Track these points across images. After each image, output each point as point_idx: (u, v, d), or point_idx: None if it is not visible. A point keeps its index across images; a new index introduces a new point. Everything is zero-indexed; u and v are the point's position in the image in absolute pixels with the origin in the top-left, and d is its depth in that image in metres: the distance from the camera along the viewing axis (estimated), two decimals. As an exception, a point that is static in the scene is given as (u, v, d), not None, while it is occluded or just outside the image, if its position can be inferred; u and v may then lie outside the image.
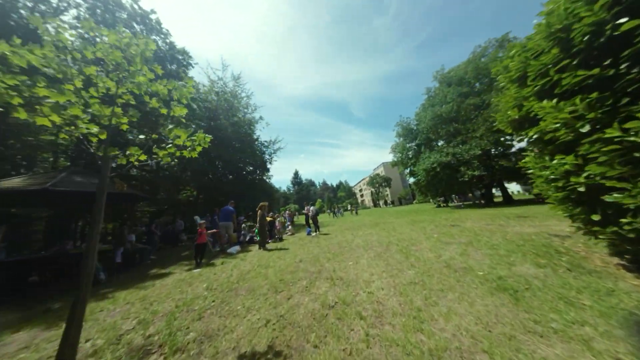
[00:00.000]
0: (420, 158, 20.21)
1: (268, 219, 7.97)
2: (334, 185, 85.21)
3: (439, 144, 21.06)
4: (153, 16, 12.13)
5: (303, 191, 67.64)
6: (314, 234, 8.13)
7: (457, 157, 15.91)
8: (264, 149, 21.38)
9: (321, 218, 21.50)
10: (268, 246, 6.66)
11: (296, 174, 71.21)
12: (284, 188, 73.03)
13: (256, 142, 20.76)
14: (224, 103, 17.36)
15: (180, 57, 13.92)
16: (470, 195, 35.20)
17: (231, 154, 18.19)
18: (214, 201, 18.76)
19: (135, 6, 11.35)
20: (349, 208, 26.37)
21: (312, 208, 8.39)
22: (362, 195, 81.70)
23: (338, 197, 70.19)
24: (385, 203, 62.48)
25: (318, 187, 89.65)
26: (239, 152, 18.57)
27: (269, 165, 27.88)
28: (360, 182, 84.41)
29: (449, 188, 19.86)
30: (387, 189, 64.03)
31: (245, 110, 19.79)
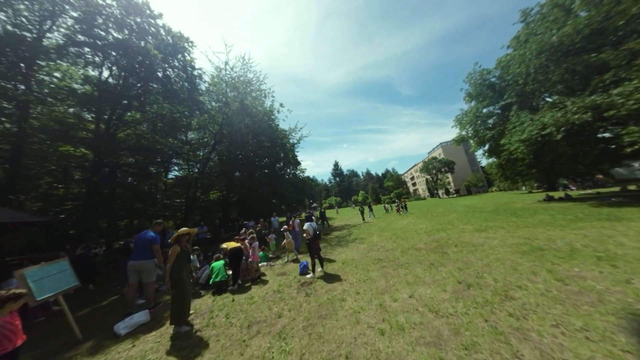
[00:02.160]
0: (510, 124, 12.77)
1: (231, 245, 4.73)
2: (380, 175, 76.81)
3: (549, 99, 12.80)
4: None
5: (344, 183, 63.33)
6: (309, 275, 4.39)
7: (603, 110, 8.45)
8: (285, 140, 18.58)
9: (351, 216, 16.81)
10: (202, 312, 3.41)
11: (336, 165, 67.32)
12: (325, 181, 70.98)
13: (276, 133, 18.11)
14: (232, 92, 15.23)
15: (177, 44, 12.23)
16: (597, 176, 22.75)
17: (251, 149, 16.26)
18: (242, 203, 17.50)
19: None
20: (396, 201, 20.68)
21: (309, 226, 4.59)
22: (414, 184, 70.52)
23: (384, 188, 62.44)
24: (447, 192, 50.88)
25: (361, 177, 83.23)
26: (259, 146, 16.41)
27: (298, 158, 25.48)
28: (411, 168, 73.06)
29: (571, 166, 11.92)
30: (449, 175, 52.03)
31: (263, 99, 17.15)
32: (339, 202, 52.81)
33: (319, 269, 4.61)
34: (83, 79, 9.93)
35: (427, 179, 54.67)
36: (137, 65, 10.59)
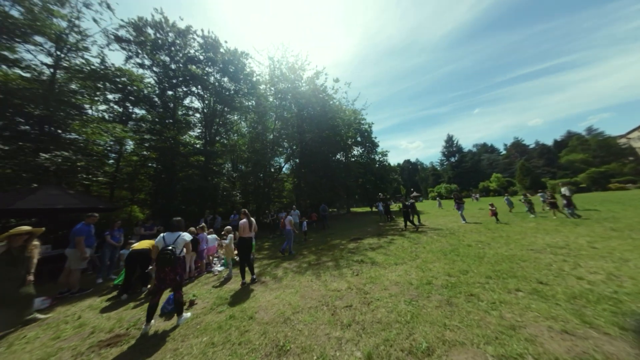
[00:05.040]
0: None
1: (140, 245, 3.99)
2: (546, 145, 46.27)
3: None
4: (212, 35, 13.46)
5: (466, 163, 45.03)
6: (143, 326, 2.55)
7: None
8: (338, 122, 15.86)
9: (456, 213, 9.22)
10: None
11: (449, 140, 49.29)
12: (436, 163, 55.51)
13: (331, 114, 15.91)
14: (284, 85, 15.15)
15: (238, 60, 14.15)
16: None
17: (308, 138, 15.76)
18: (310, 188, 17.80)
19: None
20: (567, 193, 9.16)
21: (159, 240, 2.65)
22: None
23: (558, 165, 36.68)
24: None
25: (502, 152, 55.51)
26: (313, 133, 15.44)
27: (376, 140, 21.73)
28: (640, 122, 36.50)
29: None
30: None
31: (315, 81, 15.73)
32: (454, 190, 38.62)
33: (188, 313, 2.65)
34: (194, 110, 14.40)
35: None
36: (221, 91, 13.78)
